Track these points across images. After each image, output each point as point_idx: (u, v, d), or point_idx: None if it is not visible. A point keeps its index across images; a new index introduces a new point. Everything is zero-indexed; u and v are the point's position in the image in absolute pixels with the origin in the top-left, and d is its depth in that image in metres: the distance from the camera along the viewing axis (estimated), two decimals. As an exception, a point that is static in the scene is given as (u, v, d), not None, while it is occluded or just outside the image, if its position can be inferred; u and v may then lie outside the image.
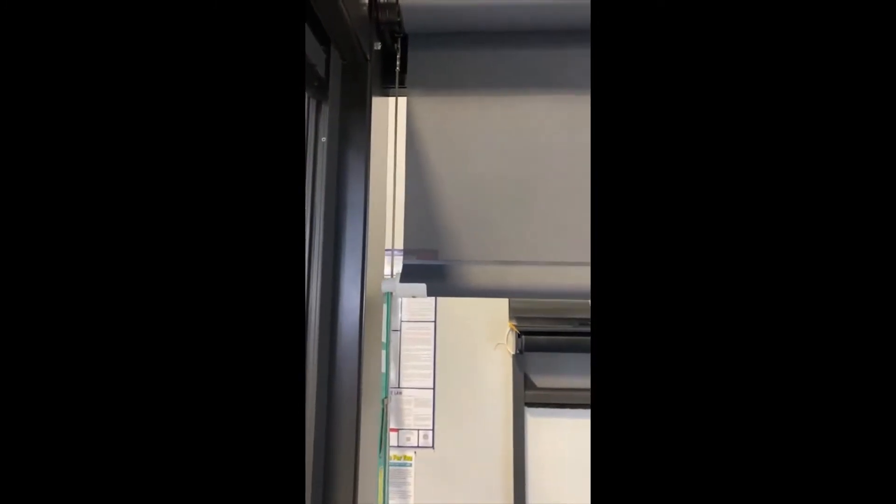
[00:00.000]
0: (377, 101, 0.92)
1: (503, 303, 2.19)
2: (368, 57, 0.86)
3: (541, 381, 2.23)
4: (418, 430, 2.21)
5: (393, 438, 2.19)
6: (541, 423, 2.22)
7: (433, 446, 2.20)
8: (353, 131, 0.85)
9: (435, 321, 2.26)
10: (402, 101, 0.95)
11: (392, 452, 2.18)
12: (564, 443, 2.21)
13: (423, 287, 0.89)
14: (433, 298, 2.25)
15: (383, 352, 2.14)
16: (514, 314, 2.18)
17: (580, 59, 0.92)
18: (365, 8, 0.86)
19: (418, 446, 2.21)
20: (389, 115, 1.00)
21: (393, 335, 2.23)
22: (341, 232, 0.82)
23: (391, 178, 0.98)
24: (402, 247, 0.90)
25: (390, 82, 0.94)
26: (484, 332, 2.25)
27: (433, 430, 2.21)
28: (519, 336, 2.16)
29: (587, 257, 0.90)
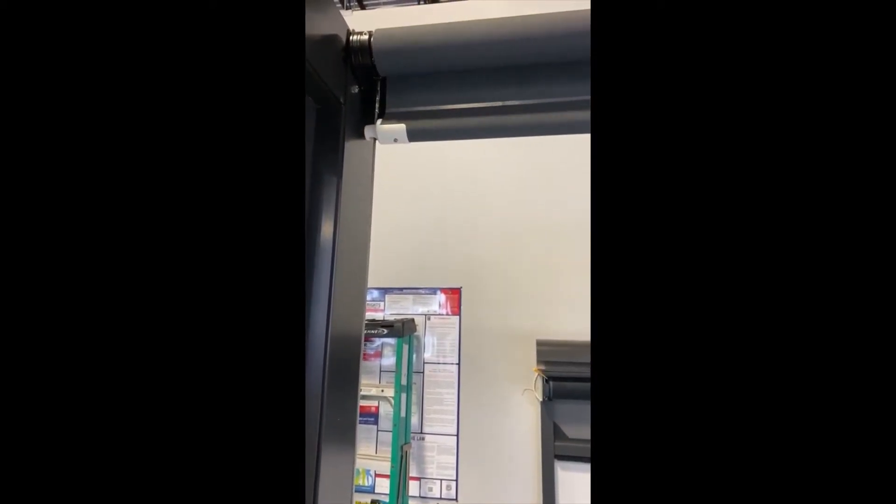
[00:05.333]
0: (356, 143, 0.92)
1: (530, 345, 2.09)
2: (343, 100, 0.87)
3: (572, 430, 2.07)
4: (441, 479, 2.11)
5: (414, 488, 2.09)
6: (574, 478, 2.04)
7: (457, 498, 2.08)
8: (325, 173, 0.85)
9: (459, 363, 2.19)
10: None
11: (412, 503, 2.08)
12: (601, 502, 2.01)
13: (402, 129, 0.89)
14: (456, 338, 2.19)
15: (404, 395, 2.08)
16: (542, 357, 2.06)
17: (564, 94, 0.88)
18: (340, 53, 0.88)
19: (441, 498, 2.09)
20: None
21: (415, 377, 2.18)
22: (309, 275, 0.81)
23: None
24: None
25: (370, 124, 0.95)
26: (510, 375, 2.14)
27: (457, 480, 2.10)
28: (547, 381, 2.04)
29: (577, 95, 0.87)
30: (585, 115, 0.85)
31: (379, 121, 0.92)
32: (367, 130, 0.92)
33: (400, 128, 0.90)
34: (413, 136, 0.90)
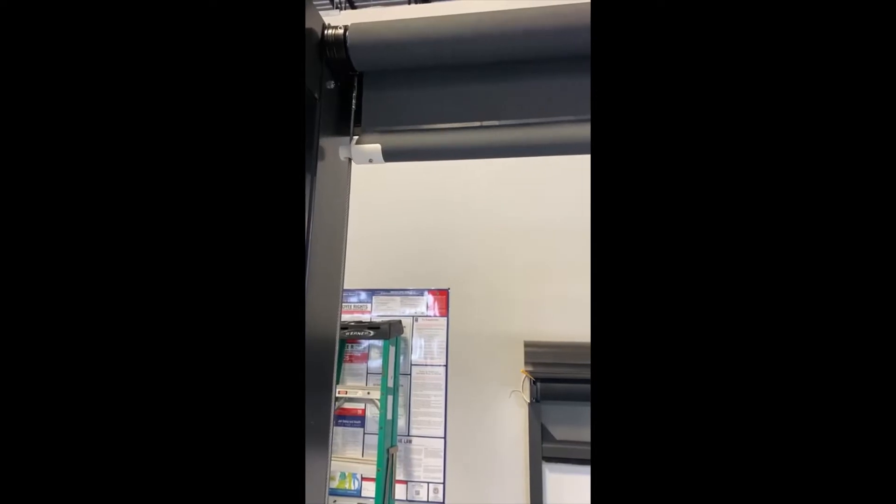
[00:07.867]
0: (332, 140, 0.90)
1: (518, 347, 2.07)
2: (318, 97, 0.85)
3: (560, 432, 2.06)
4: (428, 482, 2.08)
5: (400, 491, 2.07)
6: (561, 480, 2.02)
7: (444, 501, 2.06)
8: (298, 170, 0.83)
9: (446, 365, 2.17)
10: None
11: (399, 507, 2.06)
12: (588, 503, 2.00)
13: (377, 149, 0.88)
14: (444, 340, 2.17)
15: (391, 397, 2.06)
16: (530, 359, 2.04)
17: (541, 90, 0.86)
18: (315, 47, 0.86)
19: (428, 501, 2.07)
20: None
21: (402, 379, 2.16)
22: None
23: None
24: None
25: (346, 121, 0.93)
26: (498, 377, 2.12)
27: (444, 483, 2.08)
28: (534, 383, 2.02)
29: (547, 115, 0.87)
30: (578, 130, 0.82)
31: (354, 139, 0.90)
32: (342, 150, 0.90)
33: (375, 148, 0.87)
34: (389, 155, 0.88)
